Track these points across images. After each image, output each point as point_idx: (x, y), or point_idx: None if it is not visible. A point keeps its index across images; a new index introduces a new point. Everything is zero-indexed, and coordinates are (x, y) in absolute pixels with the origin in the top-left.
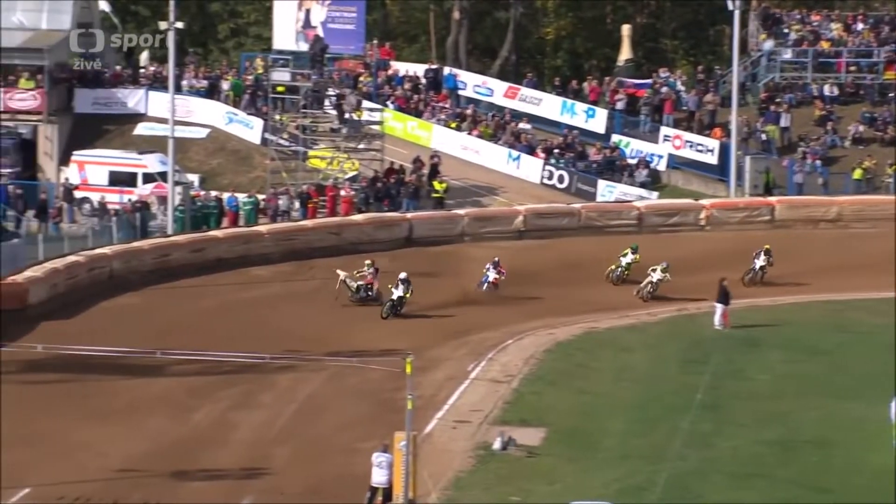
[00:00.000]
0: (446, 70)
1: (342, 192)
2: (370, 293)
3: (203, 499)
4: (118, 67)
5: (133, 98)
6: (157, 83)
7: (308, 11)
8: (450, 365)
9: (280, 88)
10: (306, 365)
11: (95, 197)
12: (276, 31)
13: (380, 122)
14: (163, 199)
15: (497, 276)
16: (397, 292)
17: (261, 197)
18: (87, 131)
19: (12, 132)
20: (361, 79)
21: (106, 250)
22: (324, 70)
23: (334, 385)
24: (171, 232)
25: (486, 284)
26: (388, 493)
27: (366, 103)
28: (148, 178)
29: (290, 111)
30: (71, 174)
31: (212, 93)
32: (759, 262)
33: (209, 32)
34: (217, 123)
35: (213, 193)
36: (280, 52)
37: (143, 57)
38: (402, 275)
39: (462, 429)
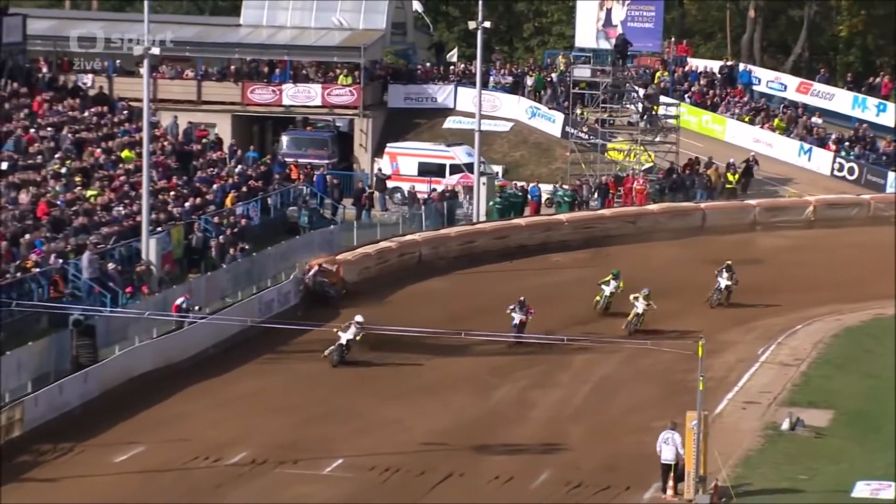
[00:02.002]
0: (741, 66)
1: (637, 184)
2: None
3: (503, 471)
4: (429, 65)
5: (442, 94)
6: (465, 79)
7: (609, 11)
8: (740, 348)
9: (581, 84)
10: (601, 347)
11: (406, 186)
12: (578, 29)
13: (676, 117)
14: (469, 189)
15: (524, 317)
16: (346, 335)
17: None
18: (399, 125)
19: (330, 125)
20: (658, 75)
21: (415, 236)
22: (623, 67)
23: (628, 366)
24: (484, 220)
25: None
26: (677, 469)
27: (662, 98)
28: (455, 168)
29: (590, 106)
30: (384, 165)
31: (516, 88)
32: (723, 280)
33: (515, 31)
34: (520, 117)
35: (519, 183)
36: (581, 49)
37: (453, 55)
38: (358, 318)
39: (751, 409)
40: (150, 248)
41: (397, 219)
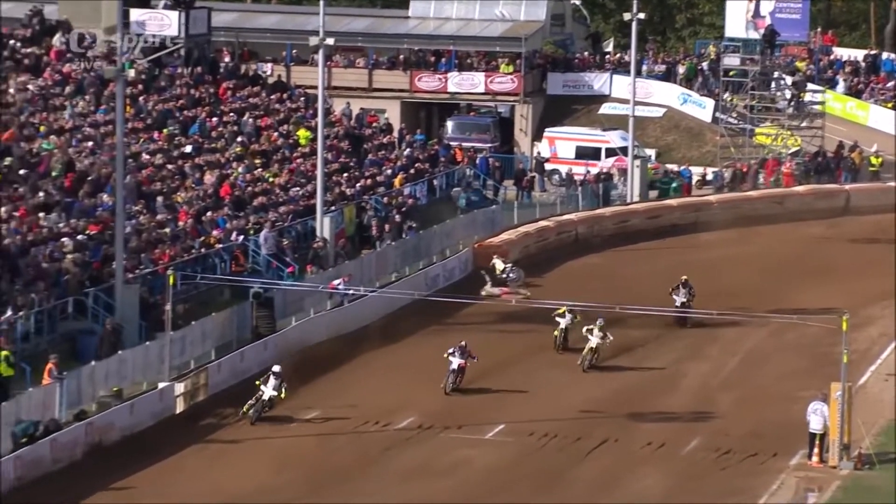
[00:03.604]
0: (885, 55)
1: (784, 167)
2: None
3: (656, 438)
4: (586, 54)
5: (598, 81)
6: (620, 68)
7: (758, 2)
8: (883, 323)
9: (731, 72)
10: (749, 321)
11: (563, 169)
12: (728, 20)
13: (821, 103)
14: (623, 172)
15: (463, 362)
16: (268, 390)
17: (711, 170)
18: (557, 110)
19: (493, 111)
20: (804, 64)
21: (572, 216)
22: (771, 55)
23: (775, 339)
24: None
25: (450, 377)
26: (823, 438)
27: (809, 86)
28: (610, 152)
29: (739, 92)
30: (542, 148)
31: (668, 76)
32: (679, 297)
33: (667, 22)
34: (672, 103)
35: (672, 167)
36: (731, 39)
37: (609, 44)
38: (276, 367)
39: (894, 381)
40: (324, 226)
41: (555, 199)
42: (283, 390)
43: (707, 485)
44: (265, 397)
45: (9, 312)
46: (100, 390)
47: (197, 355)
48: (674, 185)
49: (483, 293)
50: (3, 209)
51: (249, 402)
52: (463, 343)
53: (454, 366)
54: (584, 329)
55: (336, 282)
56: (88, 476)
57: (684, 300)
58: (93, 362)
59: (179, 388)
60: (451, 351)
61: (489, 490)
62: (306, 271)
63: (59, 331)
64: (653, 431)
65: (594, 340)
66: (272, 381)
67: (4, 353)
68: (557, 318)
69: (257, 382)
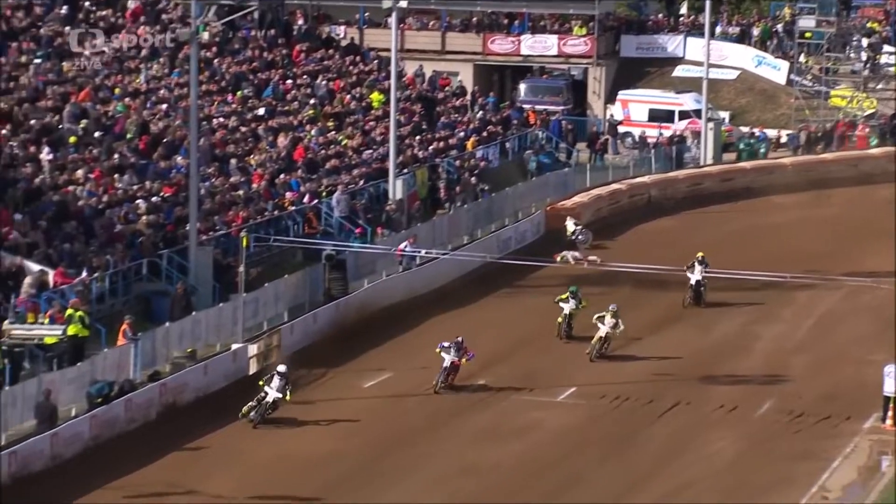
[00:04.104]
0: None
1: (859, 129)
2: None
3: (728, 400)
4: (660, 16)
5: (672, 43)
6: (694, 30)
7: None
8: None
9: (807, 34)
10: (823, 283)
11: (636, 131)
12: None
13: None
14: (697, 134)
15: (456, 360)
16: (272, 392)
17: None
18: (630, 73)
19: (566, 74)
20: (879, 25)
21: (645, 179)
22: (847, 17)
23: (849, 302)
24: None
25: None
26: None
27: (886, 47)
28: (683, 115)
29: (814, 54)
30: (615, 111)
31: (742, 38)
32: (694, 275)
33: None
34: (746, 66)
35: (747, 129)
36: (806, 0)
37: (683, 6)
38: (281, 367)
39: None
40: (396, 189)
41: (628, 162)
42: (289, 392)
43: (779, 447)
44: (269, 399)
45: (84, 274)
46: (174, 351)
47: (270, 317)
48: (762, 147)
49: (558, 258)
50: (78, 171)
51: (250, 403)
52: (459, 338)
53: (447, 363)
54: (595, 317)
55: (402, 245)
56: (162, 436)
57: (699, 278)
58: (167, 323)
59: (252, 349)
60: (445, 345)
61: (560, 453)
62: (377, 234)
63: (134, 292)
64: (725, 394)
65: (605, 329)
66: (276, 381)
67: (80, 314)
68: (561, 304)
69: (260, 382)
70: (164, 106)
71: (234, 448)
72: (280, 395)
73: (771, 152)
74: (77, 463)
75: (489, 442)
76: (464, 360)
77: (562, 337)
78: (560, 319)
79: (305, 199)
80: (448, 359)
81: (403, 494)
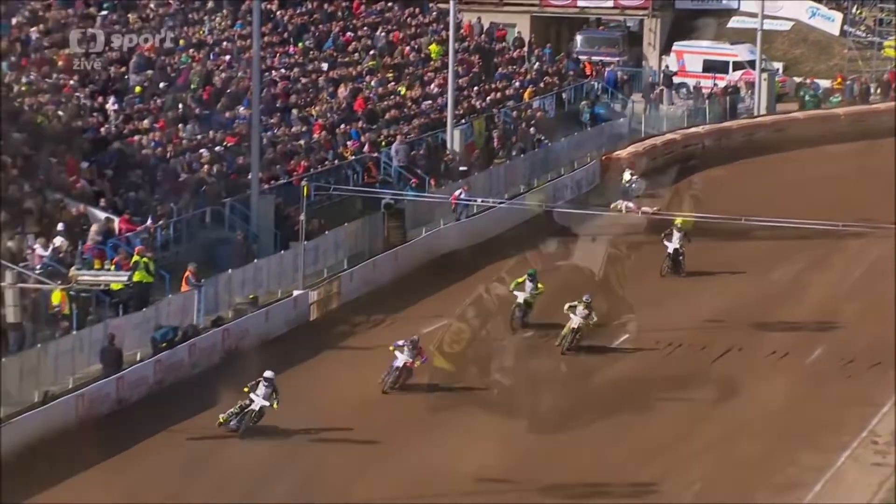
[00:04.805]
0: None
1: None
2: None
3: (780, 346)
4: None
5: None
6: None
7: None
8: None
9: None
10: (875, 232)
11: (691, 82)
12: None
13: None
14: (751, 85)
15: (410, 361)
16: (259, 399)
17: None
18: (685, 24)
19: (621, 25)
20: None
21: (699, 129)
22: None
23: None
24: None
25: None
26: None
27: None
28: (737, 66)
29: (868, 5)
30: (671, 62)
31: None
32: (672, 244)
33: None
34: (800, 17)
35: (798, 79)
36: None
37: None
38: (268, 373)
39: None
40: (454, 139)
41: (682, 112)
42: (276, 400)
43: (831, 392)
44: (254, 407)
45: (149, 221)
46: (236, 297)
47: (329, 264)
48: (836, 98)
49: (612, 206)
50: (144, 121)
51: (230, 410)
52: (415, 337)
53: (399, 363)
54: (567, 306)
55: (457, 192)
56: (225, 380)
57: (677, 246)
58: (229, 270)
59: (313, 296)
60: (399, 343)
61: (614, 398)
62: (431, 184)
63: (197, 240)
64: (777, 340)
65: (577, 319)
66: (262, 388)
67: (145, 260)
68: (515, 291)
69: (245, 389)
70: (228, 57)
71: (296, 391)
72: (266, 403)
73: (824, 103)
74: (142, 406)
75: (543, 387)
76: (417, 362)
77: (515, 328)
78: (513, 306)
79: (365, 149)
80: (402, 358)
81: (464, 437)
